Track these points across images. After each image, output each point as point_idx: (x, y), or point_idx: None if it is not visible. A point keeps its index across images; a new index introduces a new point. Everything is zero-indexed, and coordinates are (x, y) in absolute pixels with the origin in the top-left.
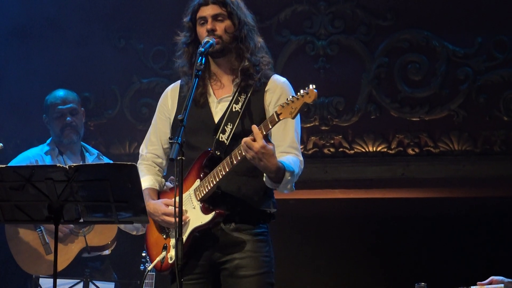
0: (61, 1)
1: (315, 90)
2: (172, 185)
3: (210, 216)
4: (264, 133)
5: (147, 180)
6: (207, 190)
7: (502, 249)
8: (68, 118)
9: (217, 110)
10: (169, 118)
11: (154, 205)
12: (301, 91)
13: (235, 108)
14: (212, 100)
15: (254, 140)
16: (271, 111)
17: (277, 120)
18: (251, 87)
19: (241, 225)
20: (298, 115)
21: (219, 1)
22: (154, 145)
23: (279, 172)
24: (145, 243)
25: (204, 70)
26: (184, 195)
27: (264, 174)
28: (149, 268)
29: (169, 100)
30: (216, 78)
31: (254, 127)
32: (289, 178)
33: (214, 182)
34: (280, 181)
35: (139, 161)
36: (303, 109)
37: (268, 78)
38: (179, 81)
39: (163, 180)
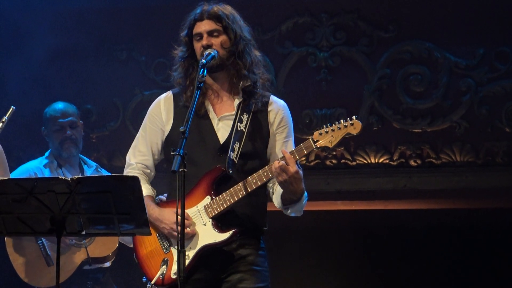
0: (63, 14)
1: (360, 122)
2: (165, 199)
3: (227, 235)
4: (298, 158)
5: (144, 188)
6: (221, 209)
7: (504, 260)
8: (67, 132)
9: (219, 127)
10: (162, 129)
11: (163, 213)
12: (342, 121)
13: (239, 127)
14: (213, 117)
15: (287, 164)
16: (273, 132)
17: (314, 147)
18: (252, 106)
19: (244, 241)
20: (293, 133)
21: (214, 16)
22: (144, 155)
23: (301, 196)
24: (136, 254)
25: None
26: (191, 210)
27: (276, 196)
28: (152, 282)
29: (162, 111)
30: (214, 92)
31: (285, 152)
32: (304, 202)
33: (232, 201)
34: (292, 204)
35: (127, 170)
36: (344, 140)
37: (268, 97)
38: (170, 91)
39: (155, 191)
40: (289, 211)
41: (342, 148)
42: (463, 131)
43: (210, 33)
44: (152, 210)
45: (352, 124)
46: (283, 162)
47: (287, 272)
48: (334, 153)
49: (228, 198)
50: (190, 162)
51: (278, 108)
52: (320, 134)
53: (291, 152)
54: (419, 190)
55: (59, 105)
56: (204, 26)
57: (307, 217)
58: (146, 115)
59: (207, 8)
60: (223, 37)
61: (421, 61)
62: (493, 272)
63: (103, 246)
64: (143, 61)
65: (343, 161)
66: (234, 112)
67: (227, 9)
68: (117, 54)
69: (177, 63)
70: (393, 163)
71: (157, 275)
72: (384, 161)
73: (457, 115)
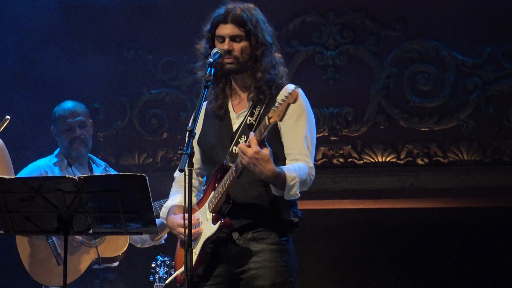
0: (70, 12)
1: (297, 90)
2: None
3: (216, 226)
4: (259, 138)
5: (177, 198)
6: (216, 201)
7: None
8: (77, 132)
9: (236, 126)
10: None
11: (173, 219)
12: (287, 93)
13: (249, 120)
14: (232, 116)
15: (249, 146)
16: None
17: (267, 123)
18: (264, 99)
19: (257, 234)
20: (314, 123)
21: (238, 21)
22: None
23: (279, 177)
24: (175, 256)
25: (225, 86)
26: (202, 209)
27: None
28: (167, 281)
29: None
30: (235, 93)
31: (251, 134)
32: (292, 183)
33: (222, 192)
34: (284, 188)
35: (173, 183)
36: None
37: (281, 88)
38: (205, 103)
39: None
40: (285, 195)
41: (349, 146)
42: (470, 129)
43: (232, 38)
44: (169, 220)
45: (290, 94)
46: (244, 144)
47: None
48: (342, 151)
49: (220, 189)
50: (212, 163)
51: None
52: (273, 110)
53: (255, 134)
54: (426, 189)
55: (68, 104)
56: (227, 29)
57: (314, 215)
58: None
59: (232, 9)
60: (244, 43)
61: (428, 59)
62: (501, 270)
63: (113, 246)
64: (150, 60)
65: (350, 160)
66: (247, 108)
67: (251, 12)
68: (124, 53)
69: (201, 60)
70: (400, 161)
71: (176, 273)
72: (391, 160)
73: (464, 114)
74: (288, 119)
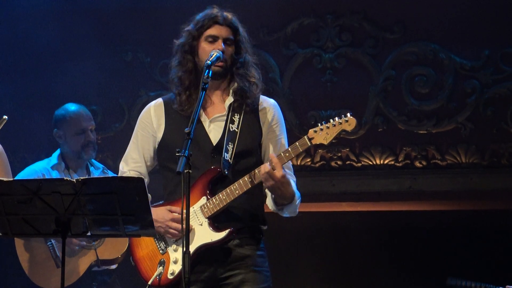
0: (68, 14)
1: (354, 118)
2: (154, 203)
3: (223, 234)
4: (293, 156)
5: None
6: (218, 208)
7: (509, 261)
8: (90, 135)
9: (210, 129)
10: (153, 136)
11: (158, 211)
12: (336, 118)
13: (232, 128)
14: (204, 120)
15: (274, 169)
16: (266, 130)
17: (309, 144)
18: (243, 106)
19: (243, 240)
20: (285, 131)
21: (232, 26)
22: (137, 162)
23: (292, 198)
24: (132, 256)
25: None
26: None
27: (269, 198)
28: (149, 283)
29: (153, 117)
30: (207, 96)
31: (273, 157)
32: (297, 203)
33: (228, 201)
34: (286, 206)
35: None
36: (339, 136)
37: (257, 98)
38: (160, 98)
39: (150, 196)
40: (283, 212)
41: (347, 149)
42: (468, 132)
43: (225, 40)
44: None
45: (347, 121)
46: (269, 167)
47: (292, 273)
48: (340, 154)
49: (224, 198)
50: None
51: (269, 107)
52: (315, 131)
53: (279, 156)
54: (424, 192)
55: (80, 108)
56: (222, 31)
57: (312, 218)
58: (137, 123)
59: (223, 13)
60: (232, 48)
61: (426, 62)
62: (497, 273)
63: (112, 248)
64: (148, 62)
65: (348, 162)
66: (225, 113)
67: (236, 20)
68: (122, 55)
69: (178, 55)
70: (398, 164)
71: (153, 276)
72: (389, 163)
73: (462, 117)
74: (273, 131)
